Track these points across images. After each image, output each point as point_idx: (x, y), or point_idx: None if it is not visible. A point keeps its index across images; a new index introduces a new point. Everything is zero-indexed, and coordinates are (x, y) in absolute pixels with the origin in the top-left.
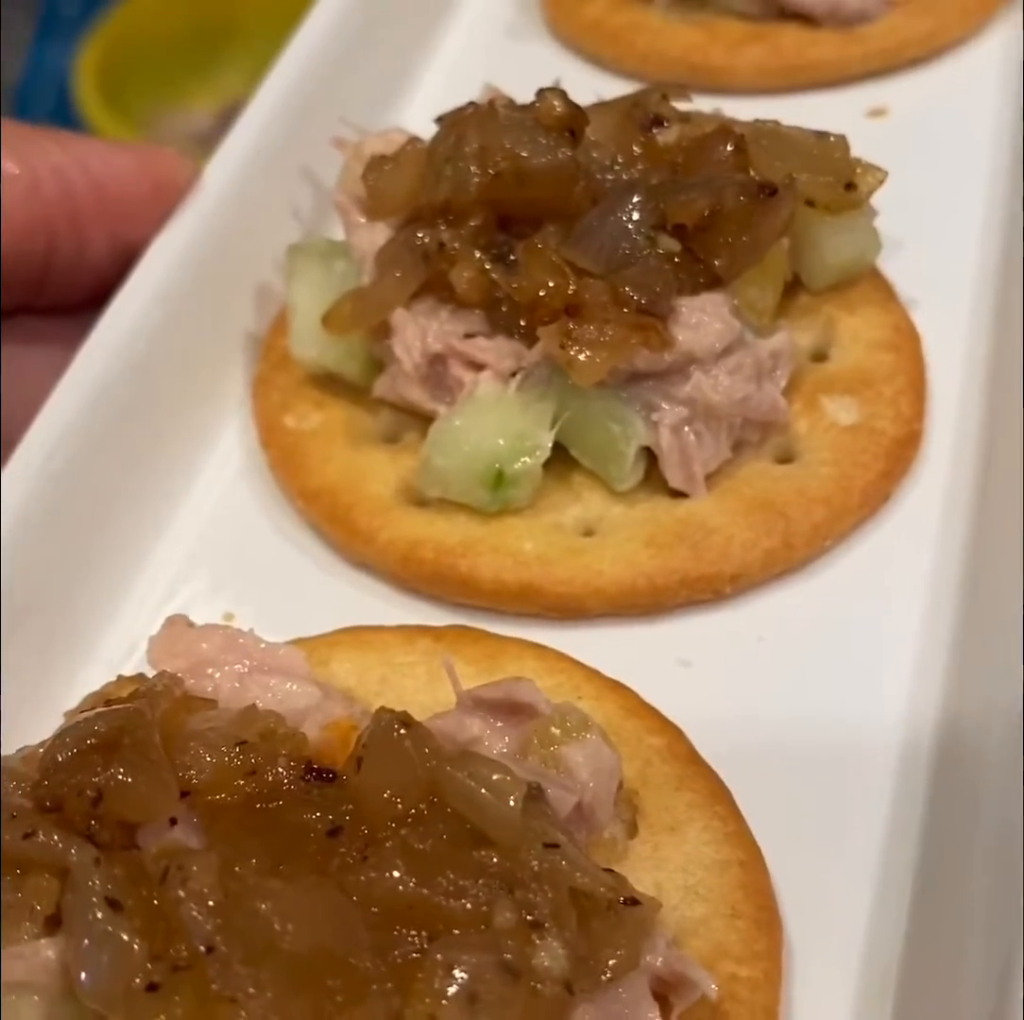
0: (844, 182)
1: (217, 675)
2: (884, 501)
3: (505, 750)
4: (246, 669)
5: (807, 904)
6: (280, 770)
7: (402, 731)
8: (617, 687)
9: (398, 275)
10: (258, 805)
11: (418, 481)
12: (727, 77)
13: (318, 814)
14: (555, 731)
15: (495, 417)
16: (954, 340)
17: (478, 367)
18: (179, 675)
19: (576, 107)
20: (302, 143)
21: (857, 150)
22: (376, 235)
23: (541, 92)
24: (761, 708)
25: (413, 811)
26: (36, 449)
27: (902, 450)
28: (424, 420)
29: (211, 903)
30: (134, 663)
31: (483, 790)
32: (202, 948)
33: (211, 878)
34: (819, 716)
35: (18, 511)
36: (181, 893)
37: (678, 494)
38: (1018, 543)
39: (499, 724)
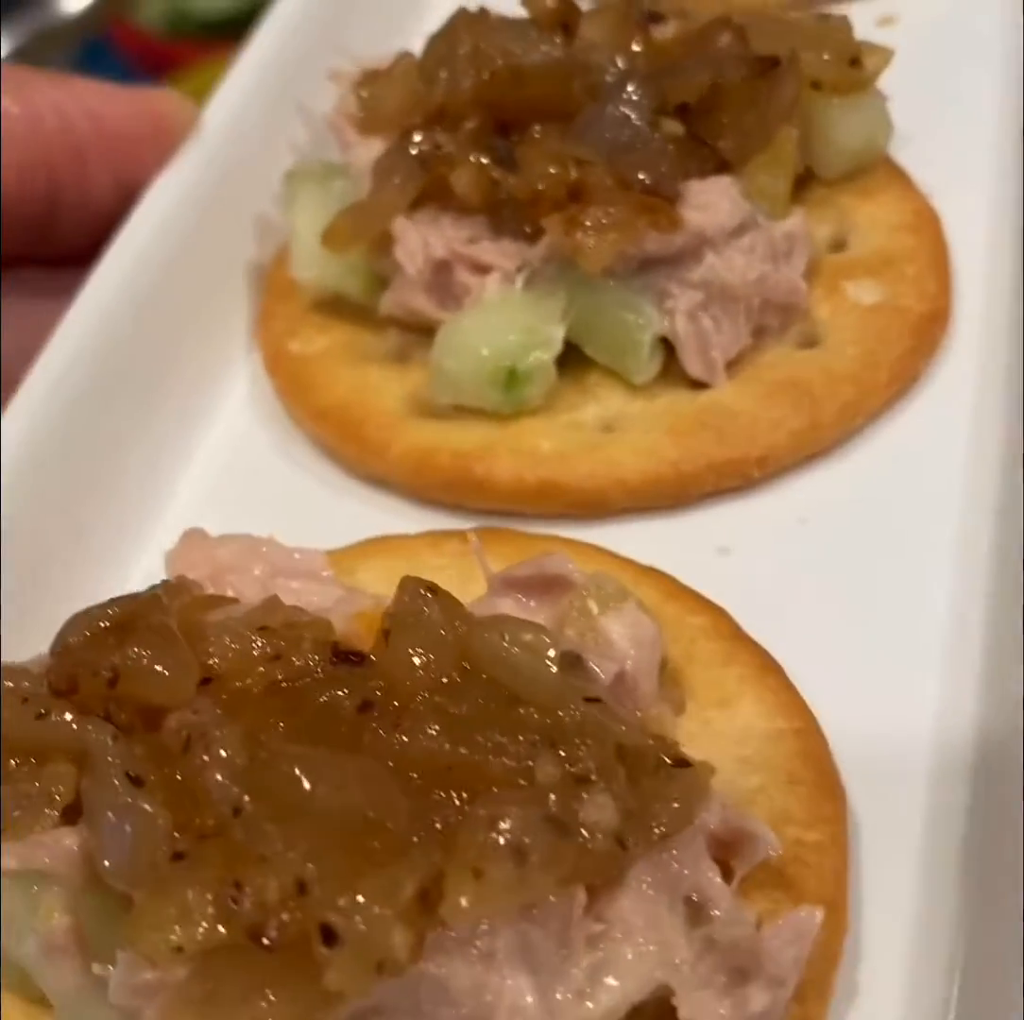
0: (848, 59)
1: (237, 582)
2: (914, 379)
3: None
4: (267, 574)
5: (867, 772)
6: (306, 654)
7: (429, 596)
8: (653, 573)
9: (396, 182)
10: (284, 687)
11: (429, 389)
12: None
13: (347, 691)
14: (591, 604)
15: (503, 316)
16: (975, 223)
17: (484, 270)
18: (199, 581)
19: (569, 2)
20: (302, 78)
21: None
22: (372, 150)
23: None
24: (807, 588)
25: (445, 679)
26: (41, 386)
27: (929, 327)
28: (431, 337)
29: (238, 765)
30: None
31: (516, 650)
32: (229, 811)
33: (235, 744)
34: (867, 592)
35: (26, 448)
36: (205, 758)
37: (698, 385)
38: None
39: (532, 602)
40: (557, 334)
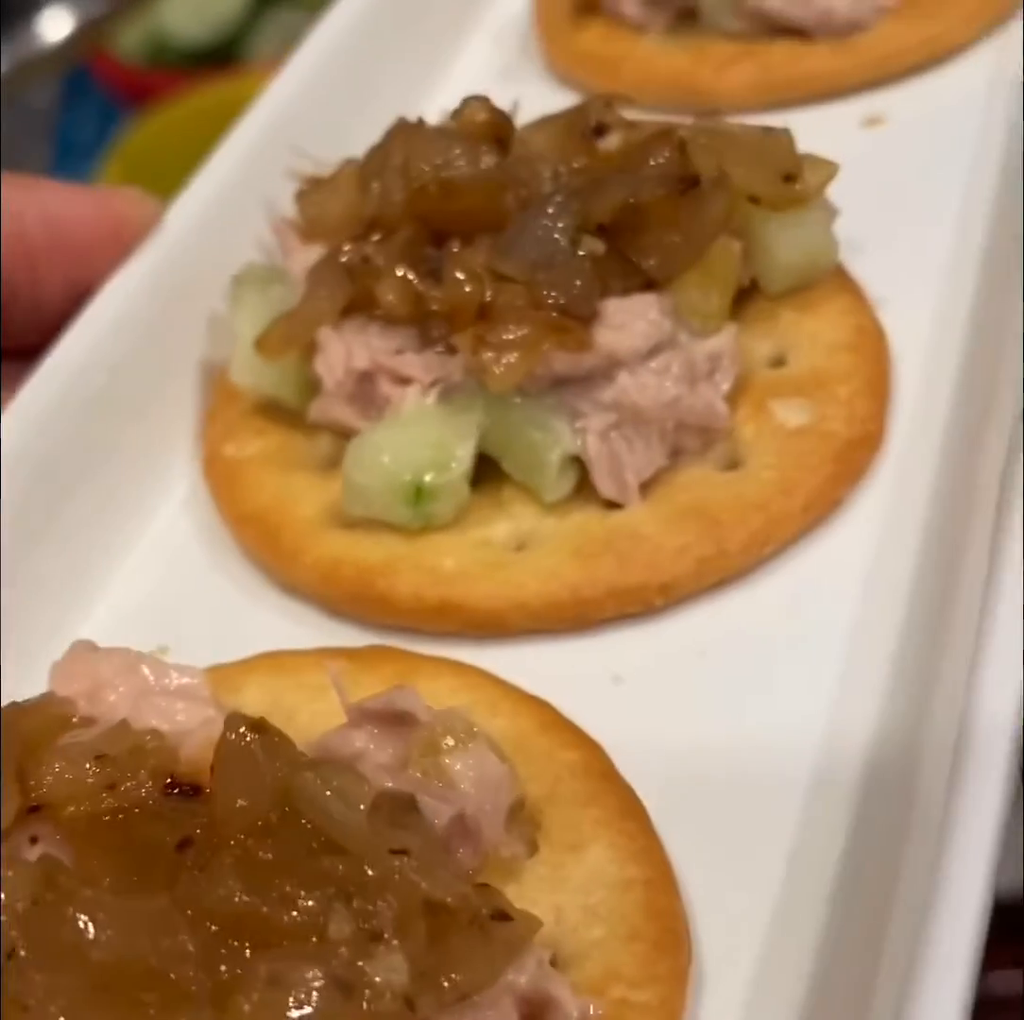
0: (782, 175)
1: (112, 698)
2: (834, 507)
3: (386, 761)
4: (141, 691)
5: (722, 930)
6: (142, 784)
7: (251, 736)
8: (535, 702)
9: (324, 293)
10: (109, 819)
11: (342, 501)
12: (717, 98)
13: (169, 827)
14: (440, 741)
15: (414, 430)
16: (924, 343)
17: (405, 382)
18: (73, 698)
19: (501, 114)
20: (271, 176)
21: (850, 160)
22: (312, 257)
23: (465, 101)
24: (696, 726)
25: (261, 823)
26: None
27: (854, 453)
28: None
29: (19, 908)
30: None
31: (328, 793)
32: (4, 954)
33: (26, 886)
34: (757, 735)
35: None
36: None
37: (613, 505)
38: (974, 550)
39: (382, 736)
40: (467, 451)
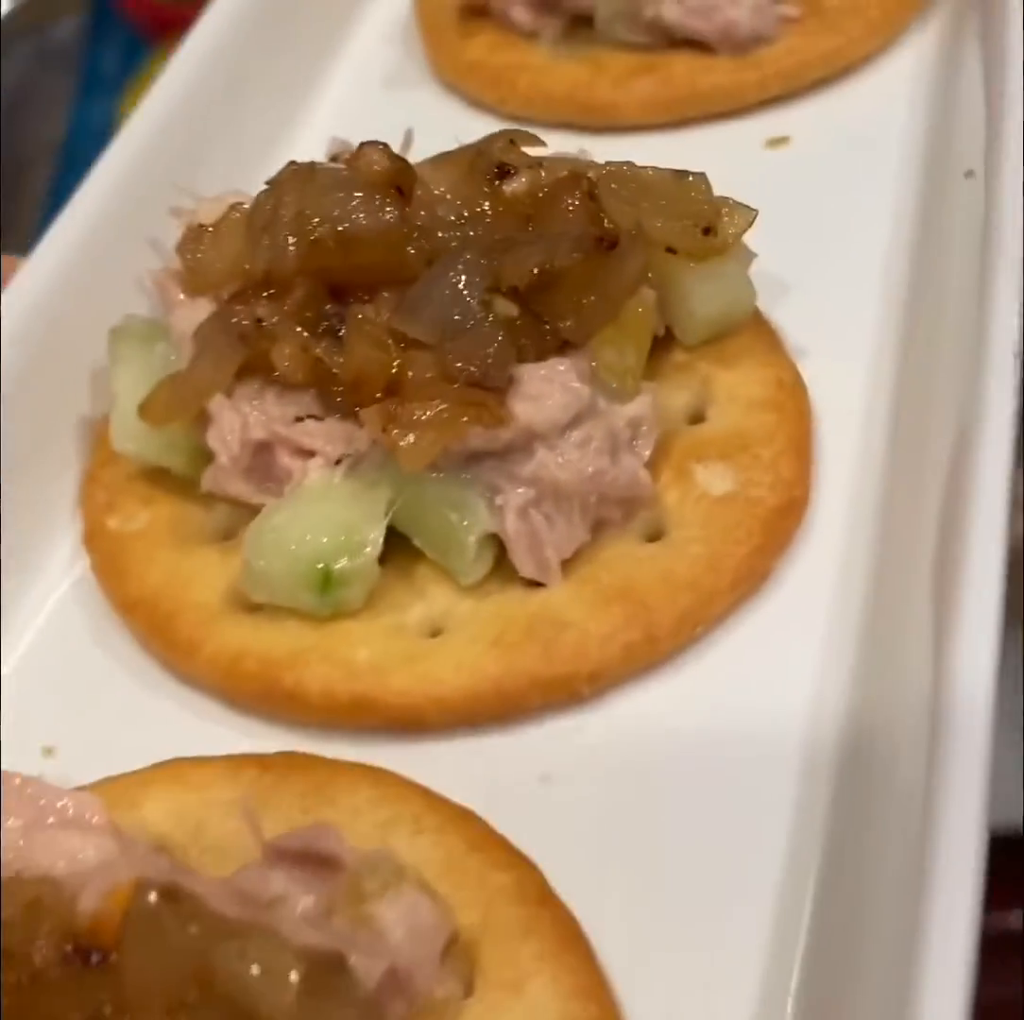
0: (701, 227)
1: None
2: (763, 579)
3: (310, 908)
4: (30, 822)
5: None
6: (41, 952)
7: (162, 906)
8: (462, 816)
9: (214, 358)
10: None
11: (242, 585)
12: (616, 113)
13: (74, 1003)
14: (366, 885)
15: (319, 510)
16: (848, 394)
17: (307, 454)
18: None
19: (401, 161)
20: (153, 212)
21: (755, 183)
22: (197, 312)
23: (361, 147)
24: (632, 830)
25: (181, 997)
26: None
27: (781, 520)
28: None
29: None
30: None
31: (252, 970)
32: None
33: None
34: (699, 833)
35: None
36: None
37: (534, 583)
38: (911, 621)
39: (302, 880)
40: (378, 534)
